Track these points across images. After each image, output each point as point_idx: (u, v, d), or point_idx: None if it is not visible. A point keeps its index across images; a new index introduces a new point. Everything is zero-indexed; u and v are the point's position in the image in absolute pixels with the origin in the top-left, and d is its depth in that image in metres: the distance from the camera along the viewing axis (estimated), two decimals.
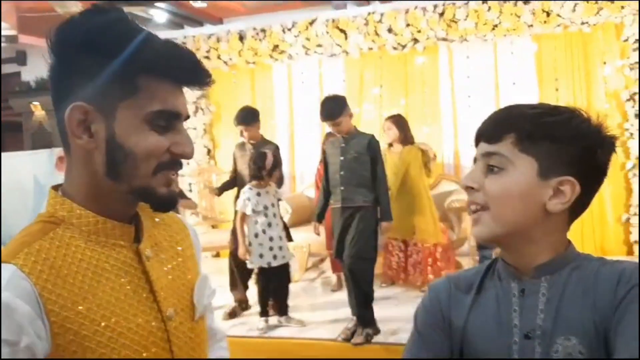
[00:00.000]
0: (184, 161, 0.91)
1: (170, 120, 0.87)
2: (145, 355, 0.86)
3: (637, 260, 0.93)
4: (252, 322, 4.32)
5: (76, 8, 5.09)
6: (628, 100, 5.42)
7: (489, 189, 0.94)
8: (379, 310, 4.34)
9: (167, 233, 1.01)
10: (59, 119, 0.87)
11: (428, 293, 1.09)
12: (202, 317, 1.00)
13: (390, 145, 5.00)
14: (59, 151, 6.00)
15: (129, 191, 0.87)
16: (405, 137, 4.96)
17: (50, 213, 0.88)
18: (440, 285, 1.08)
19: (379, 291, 4.90)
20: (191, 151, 0.90)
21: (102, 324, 0.83)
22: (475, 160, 1.00)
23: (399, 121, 5.02)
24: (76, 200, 0.88)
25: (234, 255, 4.43)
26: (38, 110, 7.54)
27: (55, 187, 0.92)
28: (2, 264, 0.80)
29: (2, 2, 5.66)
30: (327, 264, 5.61)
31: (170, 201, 0.90)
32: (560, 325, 0.91)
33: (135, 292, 0.88)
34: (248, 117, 4.55)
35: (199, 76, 0.89)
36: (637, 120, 5.34)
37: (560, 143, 0.92)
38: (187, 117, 0.91)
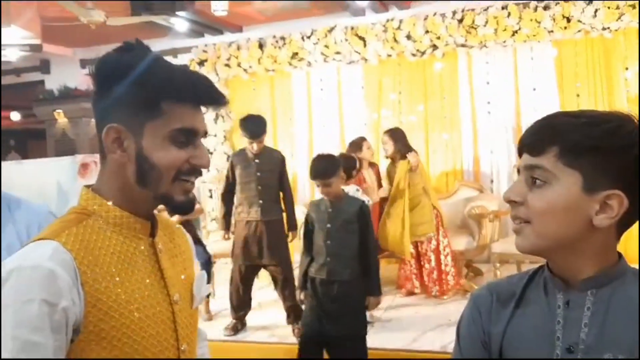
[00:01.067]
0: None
1: (189, 137, 1.03)
2: (155, 328, 1.02)
3: None
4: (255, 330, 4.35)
5: (100, 17, 5.17)
6: None
7: (532, 203, 0.91)
8: (400, 317, 4.32)
9: (172, 236, 1.20)
10: (99, 137, 1.04)
11: (469, 304, 1.07)
12: (196, 308, 1.18)
13: (393, 160, 4.98)
14: (81, 158, 6.09)
15: (154, 196, 1.04)
16: (401, 150, 4.87)
17: (82, 206, 1.05)
18: (480, 296, 1.05)
19: (399, 298, 4.90)
20: (207, 162, 1.06)
21: (123, 298, 0.99)
22: (518, 171, 0.96)
23: (394, 135, 4.96)
24: (106, 198, 1.05)
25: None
26: (61, 117, 7.65)
27: (87, 186, 1.07)
28: (47, 241, 0.96)
29: (25, 11, 5.78)
30: None
31: (187, 206, 1.06)
32: (605, 342, 0.88)
33: (149, 277, 1.05)
34: (262, 128, 4.20)
35: (213, 98, 1.05)
36: None
37: (606, 155, 0.87)
38: (206, 133, 1.07)
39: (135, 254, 1.04)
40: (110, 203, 1.04)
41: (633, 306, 0.88)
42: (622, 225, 0.92)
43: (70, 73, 7.74)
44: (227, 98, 1.07)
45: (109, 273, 0.98)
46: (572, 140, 0.88)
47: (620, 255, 0.94)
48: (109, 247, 1.01)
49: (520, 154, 0.96)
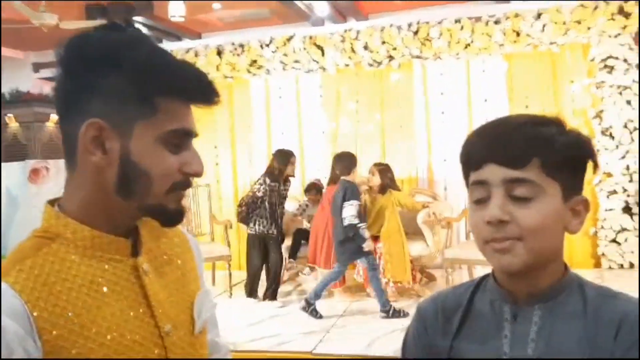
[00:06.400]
0: None
1: (182, 140, 0.87)
2: None
3: (633, 296, 0.92)
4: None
5: (52, 20, 5.08)
6: (594, 117, 5.60)
7: (525, 221, 0.85)
8: (354, 323, 4.37)
9: (168, 246, 0.98)
10: (66, 132, 0.86)
11: (415, 317, 1.02)
12: (203, 331, 0.97)
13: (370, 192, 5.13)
14: (32, 164, 5.96)
15: (139, 208, 0.86)
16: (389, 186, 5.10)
17: (44, 228, 0.85)
18: (426, 309, 1.01)
19: (354, 305, 4.96)
20: (201, 170, 0.88)
21: (96, 341, 0.80)
22: (479, 182, 0.89)
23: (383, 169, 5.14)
24: (74, 215, 0.85)
25: None
26: (12, 122, 7.46)
27: (52, 202, 0.88)
28: None
29: None
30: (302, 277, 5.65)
31: (179, 217, 0.89)
32: (551, 357, 0.86)
33: (131, 307, 0.85)
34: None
35: (210, 96, 0.87)
36: (603, 137, 5.52)
37: (577, 162, 0.88)
38: (197, 135, 0.90)
39: (111, 281, 0.84)
40: (77, 221, 0.85)
41: (579, 320, 0.87)
42: None
43: (22, 76, 7.56)
44: (220, 98, 0.90)
45: (75, 312, 0.79)
46: (553, 152, 0.86)
47: (566, 266, 0.93)
48: (77, 278, 0.81)
49: (477, 167, 0.89)
